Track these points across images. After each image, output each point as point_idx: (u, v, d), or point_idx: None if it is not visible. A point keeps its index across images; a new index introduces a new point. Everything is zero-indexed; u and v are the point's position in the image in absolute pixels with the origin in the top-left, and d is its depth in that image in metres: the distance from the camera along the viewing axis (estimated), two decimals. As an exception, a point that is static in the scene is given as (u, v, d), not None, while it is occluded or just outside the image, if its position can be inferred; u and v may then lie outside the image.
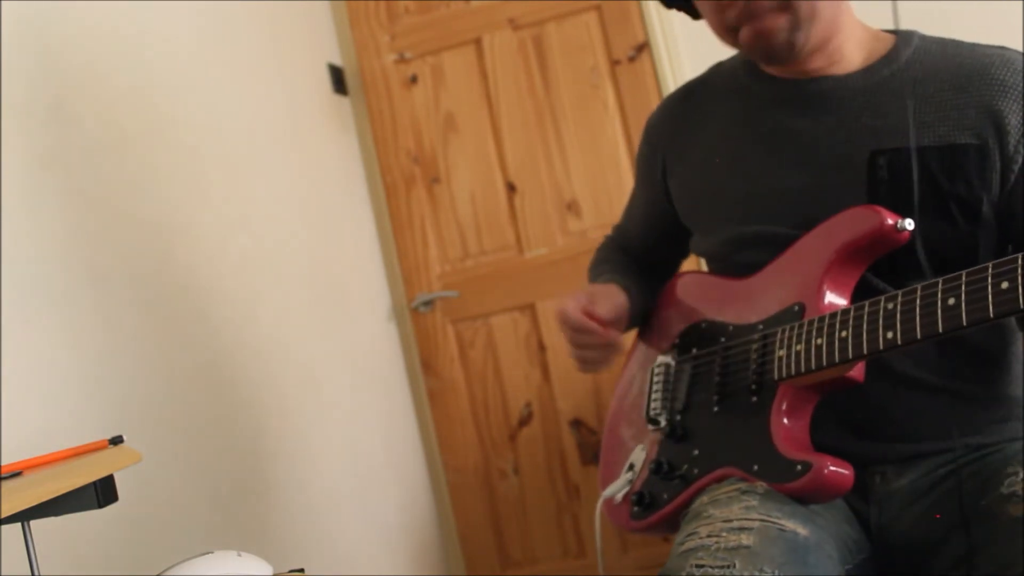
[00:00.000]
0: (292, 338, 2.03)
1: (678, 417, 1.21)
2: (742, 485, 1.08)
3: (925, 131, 1.06)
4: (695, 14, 1.21)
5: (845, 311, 1.01)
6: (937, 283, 0.92)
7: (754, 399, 1.10)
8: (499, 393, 2.60)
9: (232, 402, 1.77)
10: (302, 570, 0.95)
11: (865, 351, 0.97)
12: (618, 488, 1.27)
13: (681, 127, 1.28)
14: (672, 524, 1.18)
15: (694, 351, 1.23)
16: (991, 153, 1.05)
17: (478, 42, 2.58)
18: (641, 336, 1.41)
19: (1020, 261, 0.84)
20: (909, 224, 1.02)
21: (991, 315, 0.86)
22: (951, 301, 0.89)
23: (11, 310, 1.29)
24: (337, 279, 2.33)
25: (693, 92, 1.29)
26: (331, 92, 2.53)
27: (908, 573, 1.08)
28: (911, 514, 1.09)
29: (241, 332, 1.84)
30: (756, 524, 1.00)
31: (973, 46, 1.11)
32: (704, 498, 1.11)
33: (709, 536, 1.00)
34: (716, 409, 1.16)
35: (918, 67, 1.10)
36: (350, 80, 2.64)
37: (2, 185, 1.32)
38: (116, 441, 0.94)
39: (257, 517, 1.78)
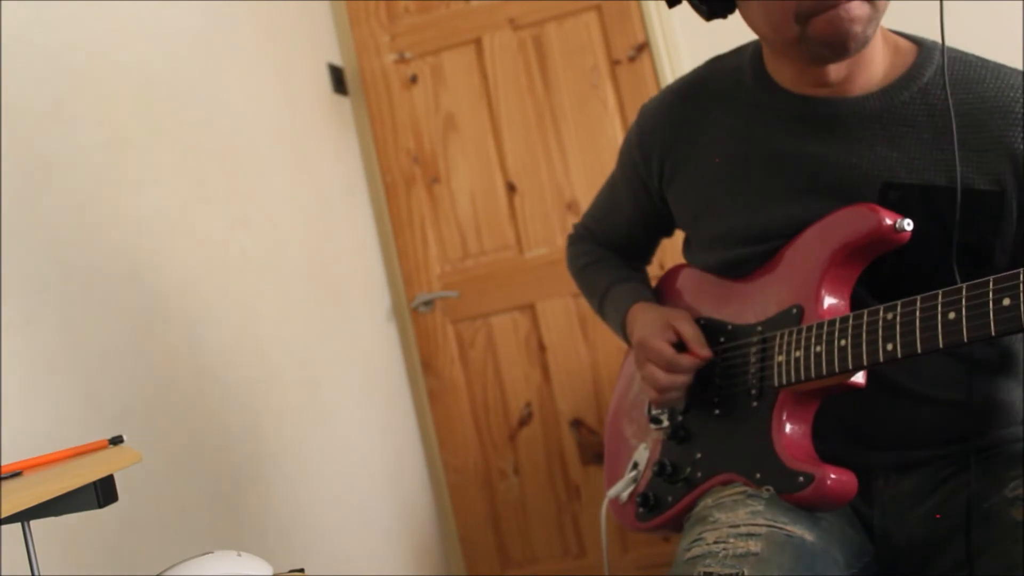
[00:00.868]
0: (292, 338, 2.03)
1: (679, 418, 1.21)
2: (749, 489, 1.07)
3: (941, 169, 1.02)
4: (710, 13, 1.11)
5: (844, 319, 0.99)
6: (937, 295, 0.90)
7: (755, 404, 1.09)
8: (499, 393, 2.60)
9: (232, 402, 1.77)
10: (302, 570, 0.95)
11: (865, 362, 0.96)
12: (623, 488, 1.27)
13: (679, 133, 1.21)
14: (677, 525, 1.18)
15: None
16: (1009, 201, 1.01)
17: (478, 42, 2.58)
18: None
19: (1022, 277, 0.83)
20: (908, 224, 0.99)
21: (992, 332, 0.85)
22: (951, 315, 0.88)
23: (11, 310, 1.29)
24: (337, 279, 2.33)
25: (692, 95, 1.21)
26: (331, 92, 2.53)
27: (911, 575, 1.08)
28: (914, 517, 1.08)
29: (241, 332, 1.84)
30: (763, 530, 0.99)
31: (998, 72, 1.05)
32: (708, 501, 1.11)
33: (716, 542, 1.00)
34: (717, 412, 1.16)
35: (939, 92, 1.03)
36: (350, 80, 2.64)
37: (2, 185, 1.32)
38: (116, 441, 0.94)
39: (257, 517, 1.77)
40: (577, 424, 2.54)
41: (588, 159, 2.52)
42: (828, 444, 1.06)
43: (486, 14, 2.56)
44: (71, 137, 1.49)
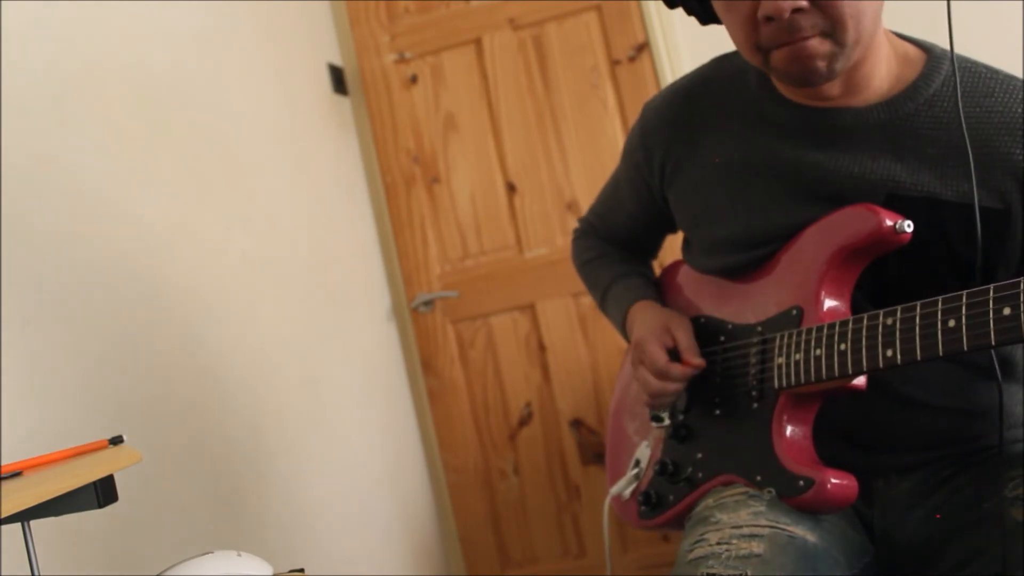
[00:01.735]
0: (292, 338, 2.03)
1: (680, 417, 1.21)
2: (750, 490, 1.07)
3: (946, 183, 1.00)
4: (705, 18, 1.12)
5: (844, 323, 0.99)
6: (937, 302, 0.89)
7: (755, 405, 1.09)
8: (499, 393, 2.60)
9: (232, 402, 1.77)
10: (302, 570, 0.95)
11: (865, 367, 0.96)
12: (625, 485, 1.27)
13: (682, 134, 1.20)
14: (678, 524, 1.18)
15: None
16: (1015, 220, 1.00)
17: (478, 42, 2.58)
18: None
19: (1022, 287, 0.82)
20: (908, 226, 0.99)
21: (992, 342, 0.84)
22: (951, 323, 0.87)
23: (11, 310, 1.29)
24: (337, 279, 2.33)
25: (696, 95, 1.20)
26: (331, 92, 2.53)
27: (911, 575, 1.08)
28: (914, 517, 1.08)
29: (241, 332, 1.84)
30: (766, 531, 0.99)
31: (1007, 85, 1.03)
32: (709, 501, 1.11)
33: (719, 543, 1.00)
34: (718, 412, 1.16)
35: (945, 105, 1.02)
36: (350, 80, 2.64)
37: (2, 185, 1.32)
38: (116, 441, 0.94)
39: (257, 517, 1.77)
40: (577, 424, 2.54)
41: (588, 159, 2.52)
42: (827, 446, 1.06)
43: (486, 14, 2.56)
44: (71, 137, 1.49)
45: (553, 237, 2.54)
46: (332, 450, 2.10)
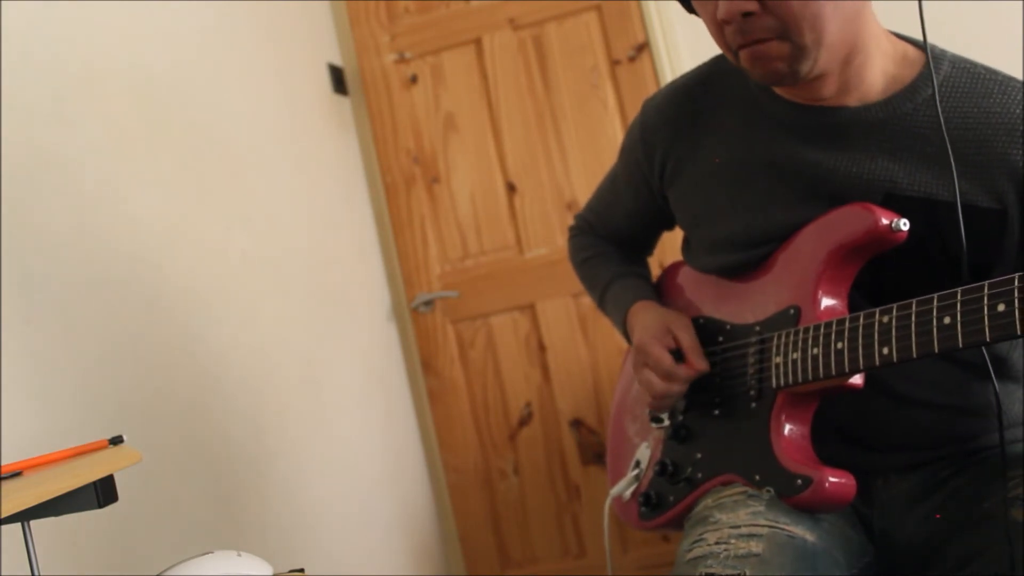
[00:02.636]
0: (292, 338, 2.03)
1: (680, 417, 1.21)
2: (749, 490, 1.07)
3: (943, 183, 1.00)
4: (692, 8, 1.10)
5: (840, 321, 0.99)
6: (932, 299, 0.90)
7: (753, 405, 1.09)
8: (499, 393, 2.59)
9: (232, 402, 1.77)
10: (302, 570, 0.95)
11: (861, 366, 0.96)
12: (625, 486, 1.27)
13: (682, 132, 1.19)
14: (679, 524, 1.19)
15: None
16: (1011, 220, 1.00)
17: (478, 42, 2.58)
18: None
19: (1016, 283, 0.82)
20: (904, 224, 0.99)
21: (987, 339, 0.84)
22: (947, 320, 0.87)
23: (11, 310, 1.29)
24: (337, 279, 2.33)
25: (696, 94, 1.20)
26: (331, 92, 2.53)
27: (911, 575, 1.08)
28: (913, 517, 1.08)
29: (241, 332, 1.84)
30: (764, 531, 0.99)
31: (1005, 86, 1.02)
32: (708, 501, 1.11)
33: (718, 543, 1.00)
34: (717, 412, 1.16)
35: (943, 105, 1.01)
36: (350, 80, 2.64)
37: (2, 185, 1.32)
38: (116, 441, 0.94)
39: (257, 517, 1.77)
40: (577, 424, 2.54)
41: (588, 159, 2.52)
42: (825, 445, 1.06)
43: (486, 14, 2.56)
44: (71, 137, 1.49)
45: (553, 237, 2.54)
46: (332, 450, 2.10)
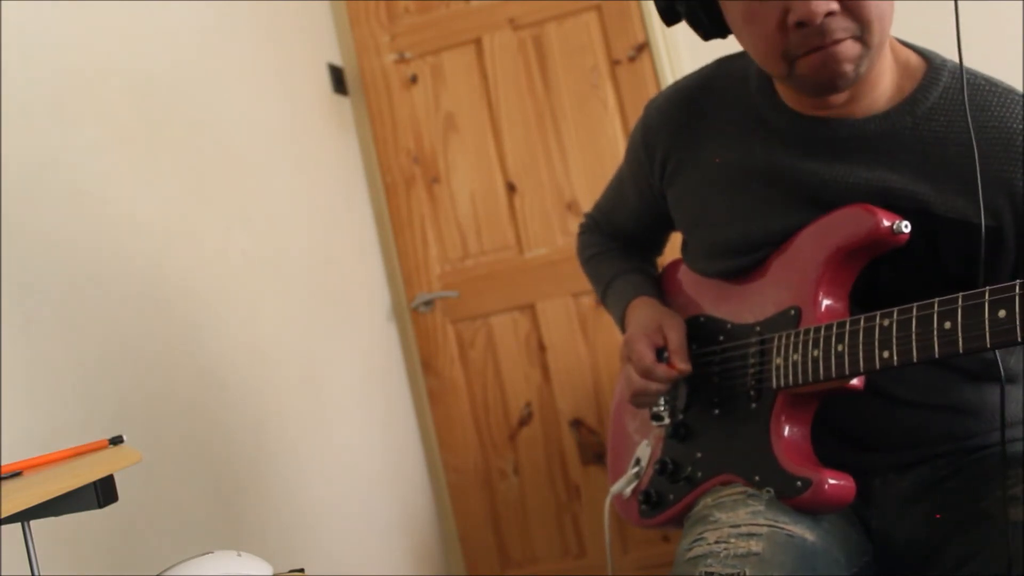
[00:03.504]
0: (292, 338, 2.03)
1: (680, 416, 1.21)
2: (749, 489, 1.08)
3: (941, 197, 1.00)
4: (706, 34, 1.10)
5: (841, 324, 0.99)
6: (933, 304, 0.89)
7: (753, 406, 1.10)
8: (499, 393, 2.60)
9: (232, 402, 1.77)
10: (302, 570, 0.95)
11: (862, 368, 0.96)
12: (625, 484, 1.27)
13: (683, 134, 1.20)
14: (678, 523, 1.19)
15: (693, 347, 1.21)
16: (1007, 237, 0.99)
17: (478, 42, 2.58)
18: None
19: (1018, 289, 0.82)
20: (906, 227, 0.99)
21: (988, 344, 0.84)
22: (947, 325, 0.87)
23: (11, 310, 1.29)
24: (337, 279, 2.33)
25: (698, 96, 1.20)
26: (331, 92, 2.53)
27: (911, 575, 1.08)
28: (912, 516, 1.08)
29: (241, 332, 1.84)
30: (764, 530, 0.99)
31: (1004, 99, 1.02)
32: (708, 500, 1.11)
33: (717, 542, 1.00)
34: (717, 412, 1.16)
35: (942, 119, 1.02)
36: (350, 80, 2.64)
37: (2, 185, 1.32)
38: (116, 441, 0.94)
39: (257, 517, 1.78)
40: (577, 424, 2.54)
41: (588, 159, 2.52)
42: (823, 446, 1.06)
43: (486, 14, 2.56)
44: (71, 137, 1.49)
45: (553, 237, 2.54)
46: (332, 450, 2.10)
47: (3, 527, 0.91)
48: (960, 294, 0.87)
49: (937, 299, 0.89)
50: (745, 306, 1.15)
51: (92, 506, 0.83)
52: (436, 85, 2.61)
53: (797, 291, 1.07)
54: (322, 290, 2.22)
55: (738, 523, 1.01)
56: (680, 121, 1.20)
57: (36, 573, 0.83)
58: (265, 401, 1.88)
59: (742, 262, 1.14)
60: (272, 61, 2.23)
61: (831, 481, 1.00)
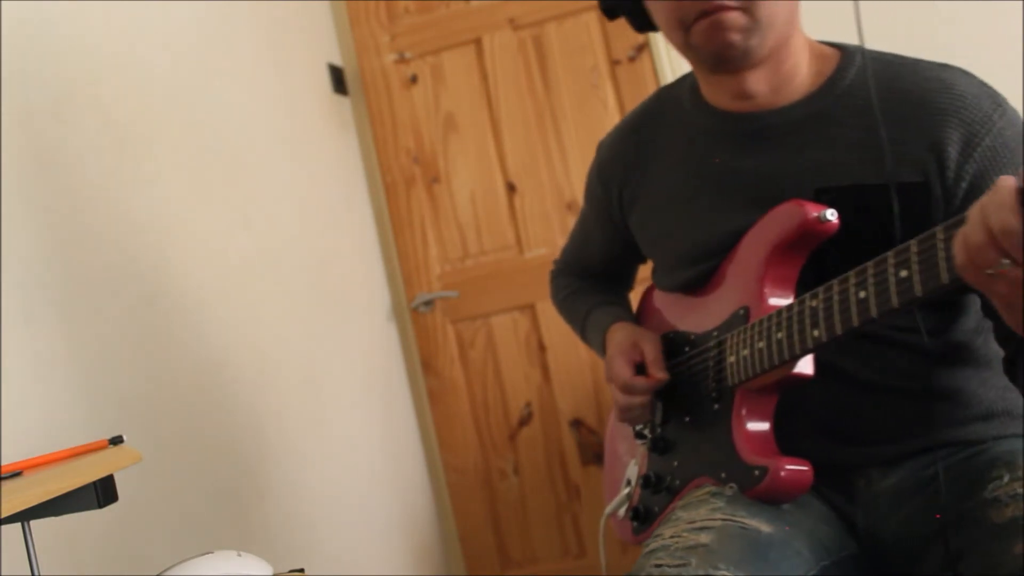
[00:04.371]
0: (292, 338, 2.03)
1: (659, 430, 1.25)
2: (713, 488, 1.10)
3: (869, 167, 1.05)
4: (639, 25, 1.18)
5: (779, 312, 1.03)
6: (848, 277, 0.93)
7: (716, 406, 1.12)
8: (499, 393, 2.60)
9: (232, 402, 1.77)
10: (302, 570, 0.95)
11: (798, 351, 1.00)
12: (618, 504, 1.30)
13: (632, 163, 1.27)
14: None
15: (667, 362, 1.25)
16: (934, 190, 1.03)
17: (478, 42, 2.58)
18: None
19: (915, 247, 0.85)
20: (831, 214, 1.02)
21: (895, 304, 0.87)
22: (862, 294, 0.91)
23: (11, 310, 1.29)
24: (337, 279, 2.33)
25: (640, 126, 1.28)
26: (331, 92, 2.53)
27: (898, 574, 1.09)
28: (897, 516, 1.09)
29: (241, 332, 1.84)
30: (718, 523, 1.03)
31: (915, 67, 1.08)
32: (678, 502, 1.15)
33: (672, 537, 1.04)
34: (687, 419, 1.19)
35: (860, 94, 1.07)
36: (350, 80, 2.64)
37: (2, 185, 1.32)
38: (116, 441, 0.94)
39: (257, 517, 1.78)
40: (577, 424, 2.55)
41: (588, 159, 2.50)
42: (806, 443, 1.07)
43: (486, 14, 2.56)
44: (71, 137, 1.49)
45: (553, 237, 2.54)
46: (332, 450, 2.10)
47: (3, 527, 0.91)
48: (870, 262, 0.90)
49: (852, 271, 0.93)
50: (705, 315, 1.19)
51: (92, 506, 0.83)
52: (436, 85, 2.61)
53: (744, 291, 1.11)
54: (322, 290, 2.22)
55: (695, 519, 1.05)
56: (629, 152, 1.28)
57: (36, 573, 0.83)
58: (265, 400, 1.88)
59: (701, 269, 1.18)
60: (272, 61, 2.23)
61: (787, 467, 1.02)
